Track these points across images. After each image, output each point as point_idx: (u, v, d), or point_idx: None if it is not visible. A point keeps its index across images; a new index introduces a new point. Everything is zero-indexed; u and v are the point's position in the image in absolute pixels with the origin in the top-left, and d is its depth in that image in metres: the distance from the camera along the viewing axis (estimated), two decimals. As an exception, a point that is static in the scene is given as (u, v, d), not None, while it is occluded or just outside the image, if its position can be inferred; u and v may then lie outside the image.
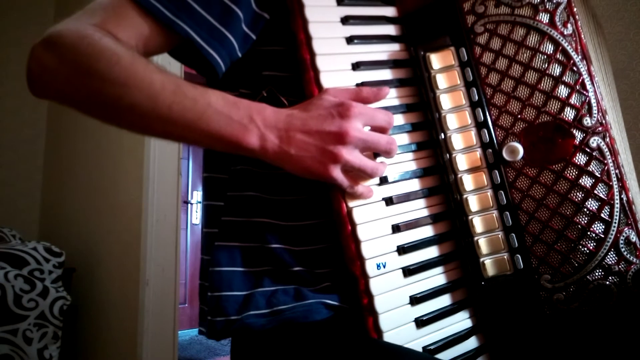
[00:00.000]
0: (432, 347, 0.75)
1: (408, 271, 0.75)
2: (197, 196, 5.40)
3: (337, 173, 0.71)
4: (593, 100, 0.77)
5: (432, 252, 0.78)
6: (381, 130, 0.74)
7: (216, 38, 0.76)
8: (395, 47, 0.83)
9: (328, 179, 0.72)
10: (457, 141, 0.79)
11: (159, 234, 2.74)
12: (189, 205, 5.35)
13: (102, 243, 3.00)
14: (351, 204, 0.74)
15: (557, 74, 0.77)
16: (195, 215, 5.39)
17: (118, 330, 2.77)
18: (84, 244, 3.09)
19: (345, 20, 0.79)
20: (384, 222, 0.75)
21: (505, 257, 0.78)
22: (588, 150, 0.76)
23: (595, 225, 0.76)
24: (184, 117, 0.69)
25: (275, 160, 0.72)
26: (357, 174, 0.73)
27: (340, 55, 0.78)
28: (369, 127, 0.74)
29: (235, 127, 0.70)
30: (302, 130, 0.71)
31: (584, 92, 0.77)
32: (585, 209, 0.76)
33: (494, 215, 0.78)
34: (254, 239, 0.82)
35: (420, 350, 0.75)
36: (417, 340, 0.74)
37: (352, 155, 0.71)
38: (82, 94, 0.70)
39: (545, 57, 0.78)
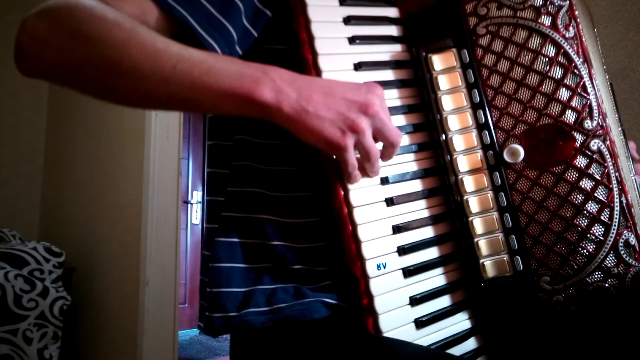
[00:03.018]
0: (431, 347, 0.75)
1: (408, 272, 0.75)
2: (197, 196, 5.39)
3: (351, 144, 0.68)
4: (594, 103, 0.77)
5: (432, 253, 0.78)
6: None
7: (215, 27, 0.75)
8: (397, 47, 0.83)
9: (342, 148, 0.68)
10: (458, 142, 0.79)
11: (159, 234, 2.75)
12: (189, 205, 5.35)
13: (102, 243, 3.00)
14: (353, 203, 0.74)
15: (559, 76, 0.77)
16: (195, 215, 5.39)
17: (118, 330, 2.77)
18: (84, 244, 3.09)
19: (348, 20, 0.79)
20: (384, 223, 0.75)
21: (505, 258, 0.78)
22: (589, 153, 0.76)
23: (595, 228, 0.76)
24: (191, 74, 0.65)
25: (288, 117, 0.67)
26: (360, 157, 0.72)
27: (342, 55, 0.78)
28: None
29: (246, 80, 0.66)
30: (325, 92, 0.68)
31: (585, 95, 0.77)
32: (585, 212, 0.76)
33: (494, 216, 0.78)
34: (255, 235, 0.82)
35: (420, 351, 0.75)
36: (416, 340, 0.74)
37: (369, 132, 0.69)
38: (77, 62, 0.66)
39: (546, 59, 0.78)
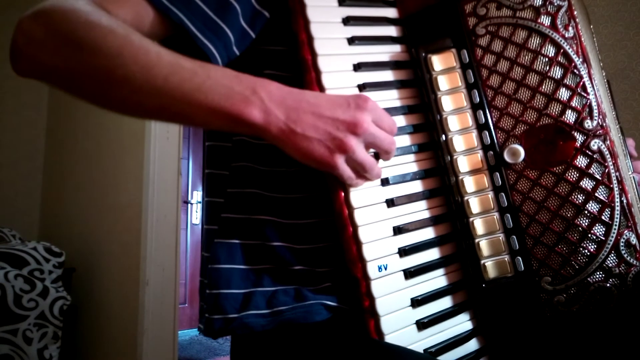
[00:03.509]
0: (433, 349, 0.75)
1: (409, 273, 0.75)
2: (197, 196, 5.39)
3: (341, 162, 0.69)
4: (594, 103, 0.77)
5: (433, 254, 0.78)
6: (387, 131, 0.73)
7: (211, 29, 0.75)
8: (396, 48, 0.83)
9: (332, 167, 0.69)
10: (459, 143, 0.79)
11: (159, 234, 2.74)
12: (189, 205, 5.35)
13: (102, 243, 3.00)
14: (353, 204, 0.73)
15: (559, 76, 0.77)
16: (195, 215, 5.38)
17: (118, 330, 2.77)
18: (84, 244, 3.09)
19: (347, 21, 0.79)
20: (385, 224, 0.75)
21: (506, 259, 0.78)
22: (589, 152, 0.76)
23: (596, 228, 0.76)
24: (181, 88, 0.65)
25: (277, 138, 0.68)
26: (355, 169, 0.72)
27: (341, 56, 0.78)
28: None
29: (236, 99, 0.66)
30: (313, 112, 0.68)
31: (585, 95, 0.77)
32: (586, 212, 0.76)
33: (495, 217, 0.78)
34: (255, 237, 0.82)
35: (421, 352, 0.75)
36: (418, 342, 0.74)
37: (360, 148, 0.69)
38: (71, 67, 0.66)
39: (546, 59, 0.78)
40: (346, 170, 0.70)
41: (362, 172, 0.72)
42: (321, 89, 0.75)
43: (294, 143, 0.68)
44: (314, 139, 0.68)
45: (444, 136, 0.79)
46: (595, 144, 0.76)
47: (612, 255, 0.76)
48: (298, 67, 0.77)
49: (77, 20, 0.66)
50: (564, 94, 0.77)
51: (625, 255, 0.75)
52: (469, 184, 0.79)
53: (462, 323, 0.79)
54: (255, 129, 0.67)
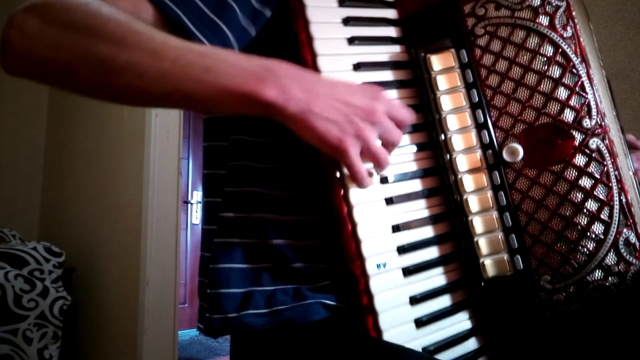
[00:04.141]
0: (431, 347, 0.75)
1: (408, 271, 0.75)
2: (197, 196, 5.39)
3: (355, 147, 0.67)
4: (592, 102, 0.77)
5: (432, 252, 0.78)
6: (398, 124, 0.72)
7: (209, 27, 0.74)
8: (396, 48, 0.83)
9: (345, 151, 0.66)
10: (458, 142, 0.79)
11: (159, 234, 2.74)
12: (189, 205, 5.34)
13: (102, 243, 3.00)
14: (352, 202, 0.73)
15: (557, 76, 0.78)
16: (195, 215, 5.38)
17: (118, 330, 2.77)
18: (84, 244, 3.09)
19: (347, 21, 0.79)
20: (384, 222, 0.76)
21: (505, 257, 0.78)
22: (588, 151, 0.76)
23: (595, 226, 0.76)
24: (190, 71, 0.63)
25: (293, 117, 0.65)
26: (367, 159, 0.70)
27: (341, 56, 0.78)
28: None
29: (249, 77, 0.64)
30: (330, 95, 0.66)
31: (584, 94, 0.77)
32: (584, 210, 0.76)
33: (494, 216, 0.79)
34: (254, 235, 0.82)
35: (420, 351, 0.75)
36: (416, 340, 0.74)
37: (374, 136, 0.68)
38: (71, 57, 0.63)
39: (545, 59, 0.78)
40: (357, 160, 0.68)
41: (376, 167, 0.71)
42: (321, 88, 0.75)
43: (311, 123, 0.65)
44: (331, 120, 0.66)
45: (443, 135, 0.80)
46: (594, 142, 0.76)
47: (612, 253, 0.76)
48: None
49: (75, 9, 0.64)
50: (562, 93, 0.77)
51: (625, 254, 0.76)
52: (468, 182, 0.79)
53: (461, 322, 0.79)
54: (270, 108, 0.65)
